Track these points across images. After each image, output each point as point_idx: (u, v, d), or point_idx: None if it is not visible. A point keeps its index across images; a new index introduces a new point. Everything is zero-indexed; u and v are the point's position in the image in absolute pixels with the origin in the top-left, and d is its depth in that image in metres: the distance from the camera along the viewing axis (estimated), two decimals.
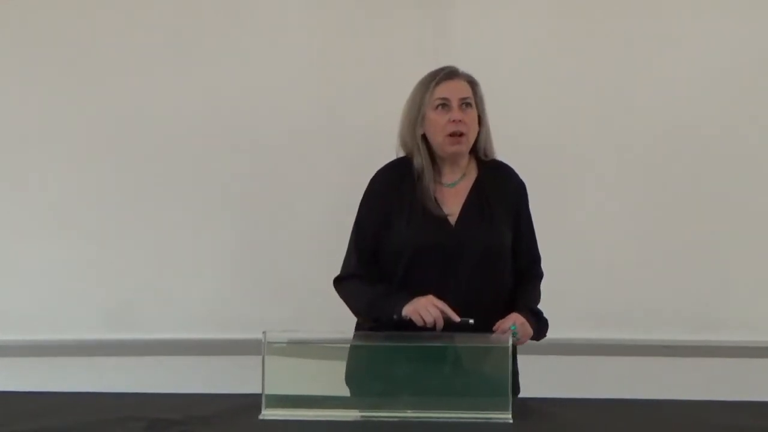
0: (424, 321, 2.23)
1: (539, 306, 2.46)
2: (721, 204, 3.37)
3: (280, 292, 3.33)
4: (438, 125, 2.39)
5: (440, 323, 2.24)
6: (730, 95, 3.34)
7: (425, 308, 2.24)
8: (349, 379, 2.29)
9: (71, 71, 3.39)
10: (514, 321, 2.29)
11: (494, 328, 2.28)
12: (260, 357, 2.09)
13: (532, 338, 2.37)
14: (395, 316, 2.27)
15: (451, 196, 2.43)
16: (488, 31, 3.36)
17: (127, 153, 3.39)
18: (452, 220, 2.40)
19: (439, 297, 2.28)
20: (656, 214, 3.37)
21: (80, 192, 3.39)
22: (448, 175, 2.46)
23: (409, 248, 2.37)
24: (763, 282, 3.36)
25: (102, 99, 3.38)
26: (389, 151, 2.51)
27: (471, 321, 2.25)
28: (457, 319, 2.24)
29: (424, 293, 2.29)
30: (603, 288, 3.32)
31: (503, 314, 2.34)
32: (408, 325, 2.26)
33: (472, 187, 2.45)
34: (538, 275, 2.53)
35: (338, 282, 2.47)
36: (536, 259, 2.53)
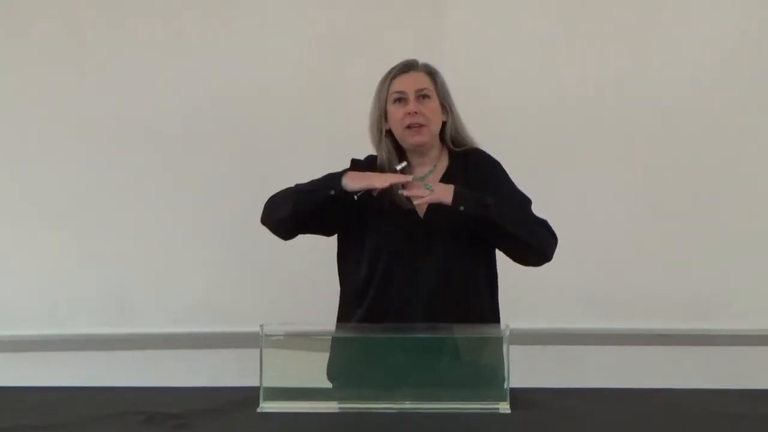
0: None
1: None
2: (718, 192, 3.38)
3: (277, 285, 3.34)
4: (397, 118, 2.40)
5: (394, 180, 2.29)
6: (727, 82, 3.37)
7: (377, 177, 2.30)
8: (331, 369, 2.26)
9: (67, 67, 3.41)
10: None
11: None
12: (258, 350, 2.09)
13: (474, 213, 2.29)
14: (332, 192, 2.30)
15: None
16: (483, 31, 3.37)
17: (123, 146, 3.40)
18: (420, 212, 2.39)
19: (409, 289, 2.33)
20: (652, 203, 3.38)
21: (75, 185, 3.41)
22: (418, 169, 2.45)
23: (378, 241, 2.37)
24: (760, 270, 3.37)
25: (98, 91, 3.39)
26: None
27: (405, 163, 2.38)
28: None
29: (393, 286, 2.34)
30: (599, 278, 3.32)
31: (476, 305, 2.37)
32: (345, 197, 2.29)
33: (441, 178, 2.42)
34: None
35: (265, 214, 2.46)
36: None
